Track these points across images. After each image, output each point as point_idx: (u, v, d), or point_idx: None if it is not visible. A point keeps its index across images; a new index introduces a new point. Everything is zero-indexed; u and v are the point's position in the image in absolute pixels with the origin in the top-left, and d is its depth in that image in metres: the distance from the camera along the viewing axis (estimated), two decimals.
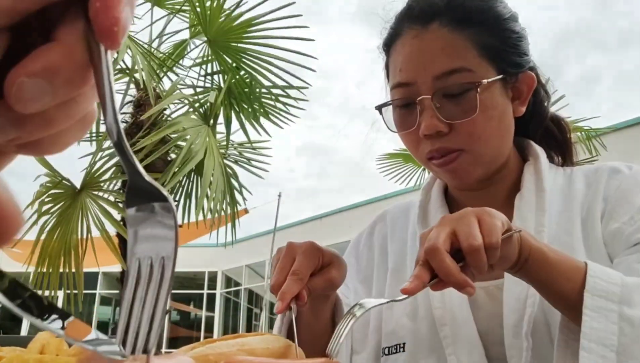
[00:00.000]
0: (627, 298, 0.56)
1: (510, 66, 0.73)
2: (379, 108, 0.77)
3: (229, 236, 3.28)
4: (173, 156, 3.11)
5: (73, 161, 3.04)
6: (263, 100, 3.14)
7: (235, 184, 3.20)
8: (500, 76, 0.72)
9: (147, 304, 0.23)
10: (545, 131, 0.83)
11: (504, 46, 0.73)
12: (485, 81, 0.69)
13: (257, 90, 3.10)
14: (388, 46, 0.78)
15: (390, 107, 0.76)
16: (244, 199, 3.27)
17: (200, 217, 3.22)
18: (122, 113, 3.15)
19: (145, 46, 2.90)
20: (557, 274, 0.58)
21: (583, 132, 3.60)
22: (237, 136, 3.40)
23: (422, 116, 0.71)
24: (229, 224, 3.23)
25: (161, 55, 3.16)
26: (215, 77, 3.18)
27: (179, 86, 3.08)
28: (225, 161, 3.12)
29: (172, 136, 2.82)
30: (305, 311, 0.67)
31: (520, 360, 0.63)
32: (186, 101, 3.01)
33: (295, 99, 3.14)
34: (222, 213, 3.02)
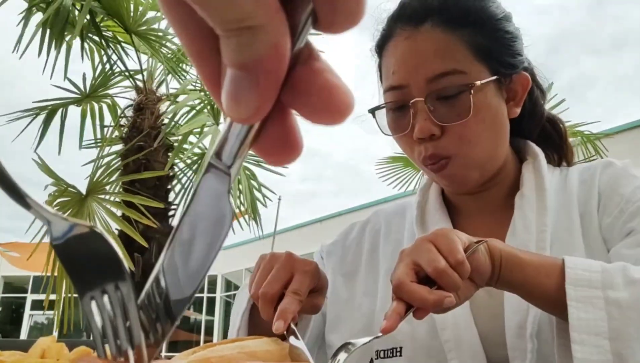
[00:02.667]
0: (609, 282, 0.55)
1: (504, 66, 0.72)
2: (372, 111, 0.76)
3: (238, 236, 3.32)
4: (180, 160, 3.12)
5: (76, 168, 3.05)
6: None
7: (254, 183, 3.22)
8: (494, 77, 0.71)
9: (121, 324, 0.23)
10: (541, 131, 0.83)
11: (497, 47, 0.72)
12: (478, 82, 0.68)
13: None
14: (380, 47, 0.77)
15: (384, 110, 0.75)
16: (268, 198, 3.30)
17: None
18: (122, 117, 3.16)
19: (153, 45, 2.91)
20: (535, 273, 0.57)
21: (583, 137, 3.61)
22: None
23: (416, 119, 0.70)
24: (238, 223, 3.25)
25: (170, 54, 3.17)
26: None
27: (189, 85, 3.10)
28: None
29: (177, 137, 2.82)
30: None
31: (524, 362, 0.63)
32: (196, 101, 3.03)
33: None
34: (241, 213, 3.04)
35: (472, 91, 0.68)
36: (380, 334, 0.52)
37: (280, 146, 0.20)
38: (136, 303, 0.23)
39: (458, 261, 0.54)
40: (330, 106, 0.19)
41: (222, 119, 3.01)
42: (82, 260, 0.23)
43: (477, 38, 0.70)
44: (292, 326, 0.57)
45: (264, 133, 0.20)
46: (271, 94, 0.18)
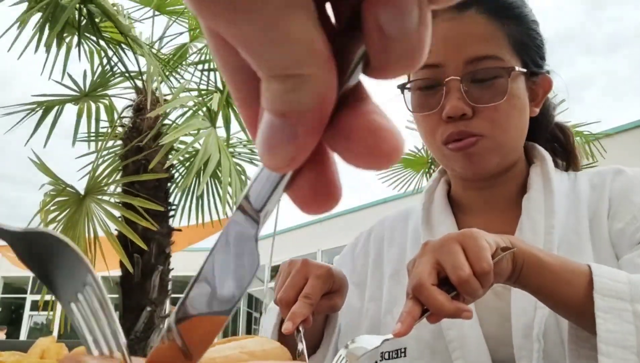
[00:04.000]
0: (637, 295, 0.55)
1: (534, 64, 0.75)
2: (401, 87, 0.77)
3: None
4: (172, 159, 3.12)
5: (75, 167, 3.05)
6: None
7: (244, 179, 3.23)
8: (526, 70, 0.73)
9: (100, 318, 0.24)
10: (550, 137, 0.84)
11: (531, 44, 0.74)
12: (517, 68, 0.70)
13: None
14: None
15: (409, 90, 0.76)
16: None
17: (205, 219, 3.24)
18: (122, 117, 3.16)
19: (146, 47, 2.91)
20: (556, 278, 0.56)
21: (582, 137, 3.62)
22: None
23: (448, 98, 0.70)
24: None
25: (164, 57, 3.18)
26: (213, 77, 3.20)
27: (184, 88, 3.10)
28: (235, 159, 3.15)
29: (178, 137, 2.83)
30: None
31: (531, 362, 0.63)
32: (192, 103, 3.03)
33: None
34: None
35: (510, 75, 0.69)
36: (390, 336, 0.51)
37: (316, 194, 0.19)
38: (105, 296, 0.23)
39: (484, 270, 0.52)
40: (376, 151, 0.17)
41: (219, 123, 3.02)
42: (48, 265, 0.23)
43: (516, 32, 0.72)
44: (301, 329, 0.61)
45: (299, 179, 0.19)
46: (309, 146, 0.17)
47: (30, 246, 0.23)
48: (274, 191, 0.19)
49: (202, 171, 2.88)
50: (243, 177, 3.20)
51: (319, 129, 0.17)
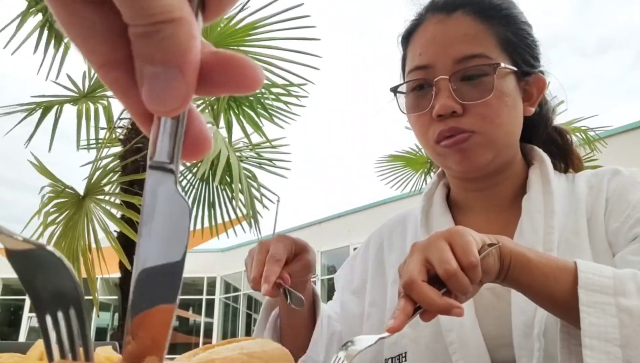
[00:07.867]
0: (620, 288, 0.55)
1: (525, 64, 0.75)
2: (394, 90, 0.79)
3: (232, 239, 3.33)
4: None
5: (74, 169, 3.04)
6: (264, 101, 3.16)
7: (254, 183, 3.23)
8: (515, 68, 0.74)
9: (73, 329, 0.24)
10: (547, 138, 0.84)
11: (520, 44, 0.75)
12: (503, 65, 0.71)
13: (258, 91, 3.12)
14: (408, 35, 0.80)
15: (405, 93, 0.78)
16: (270, 199, 3.31)
17: (212, 223, 3.24)
18: (122, 118, 3.16)
19: None
20: (543, 275, 0.57)
21: (580, 133, 3.63)
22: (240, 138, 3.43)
23: (438, 97, 0.72)
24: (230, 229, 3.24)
25: None
26: None
27: None
28: (243, 163, 3.16)
29: None
30: (286, 306, 0.71)
31: (531, 361, 0.63)
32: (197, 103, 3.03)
33: (296, 96, 3.15)
34: (243, 217, 3.05)
35: (496, 71, 0.71)
36: (386, 334, 0.51)
37: (193, 145, 0.23)
38: (87, 321, 0.24)
39: (471, 263, 0.52)
40: (247, 71, 0.21)
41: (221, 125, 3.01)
42: (38, 278, 0.23)
43: (504, 31, 0.74)
44: (287, 287, 0.63)
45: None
46: (194, 82, 0.20)
47: (25, 256, 0.23)
48: (175, 141, 0.21)
49: (209, 174, 2.87)
50: (254, 183, 3.20)
51: (198, 65, 0.20)
